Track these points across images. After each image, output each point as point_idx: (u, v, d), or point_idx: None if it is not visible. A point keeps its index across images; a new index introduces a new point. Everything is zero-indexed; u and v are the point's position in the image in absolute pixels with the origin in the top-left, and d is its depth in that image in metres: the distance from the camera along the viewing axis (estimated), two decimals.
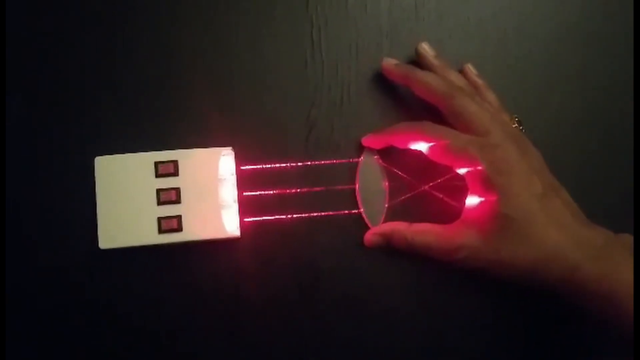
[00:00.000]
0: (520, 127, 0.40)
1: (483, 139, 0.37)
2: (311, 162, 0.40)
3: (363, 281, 0.40)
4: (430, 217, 0.39)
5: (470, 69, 0.41)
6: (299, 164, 0.40)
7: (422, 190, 0.40)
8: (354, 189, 0.40)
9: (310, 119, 0.41)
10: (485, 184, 0.36)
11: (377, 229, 0.40)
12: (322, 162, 0.41)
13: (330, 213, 0.40)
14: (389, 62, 0.40)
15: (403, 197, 0.40)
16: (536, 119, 0.43)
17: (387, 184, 0.40)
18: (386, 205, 0.40)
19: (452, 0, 0.43)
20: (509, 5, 0.43)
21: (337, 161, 0.41)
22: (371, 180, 0.40)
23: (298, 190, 0.40)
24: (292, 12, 0.42)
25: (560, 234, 0.35)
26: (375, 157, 0.40)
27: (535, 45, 0.43)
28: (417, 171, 0.40)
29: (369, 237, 0.40)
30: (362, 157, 0.40)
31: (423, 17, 0.43)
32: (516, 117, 0.40)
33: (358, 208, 0.40)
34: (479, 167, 0.36)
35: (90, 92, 0.40)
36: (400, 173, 0.40)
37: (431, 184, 0.40)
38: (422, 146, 0.38)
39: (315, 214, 0.40)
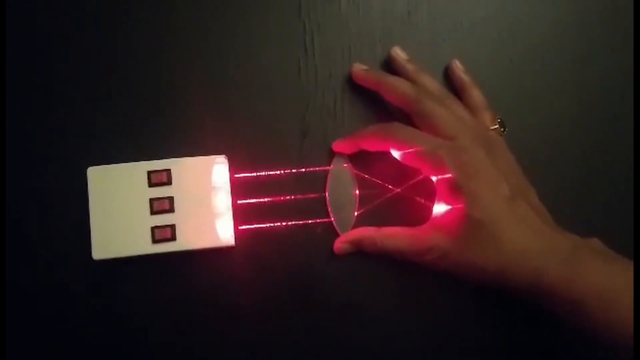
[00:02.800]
0: (502, 129, 0.40)
1: (450, 143, 0.36)
2: (305, 168, 0.40)
3: (358, 288, 0.40)
4: (402, 220, 0.39)
5: (456, 64, 0.41)
6: (293, 170, 0.40)
7: (394, 194, 0.40)
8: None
9: (304, 125, 0.41)
10: (453, 187, 0.36)
11: (346, 237, 0.40)
12: (317, 168, 0.40)
13: (325, 220, 0.40)
14: (359, 68, 0.41)
15: (374, 203, 0.40)
16: (530, 120, 0.42)
17: (357, 191, 0.40)
18: (356, 213, 0.40)
19: (444, 4, 0.43)
20: (502, 7, 0.43)
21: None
22: (341, 187, 0.40)
23: (292, 197, 0.40)
24: (284, 19, 0.41)
25: (527, 238, 0.35)
26: (345, 164, 0.40)
27: (529, 48, 0.43)
28: (388, 175, 0.40)
29: (338, 245, 0.40)
30: (331, 165, 0.40)
31: (416, 21, 0.42)
32: (499, 118, 0.40)
33: (328, 217, 0.40)
34: (448, 173, 0.36)
35: (82, 102, 0.40)
36: (370, 178, 0.40)
37: (402, 187, 0.40)
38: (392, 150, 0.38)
39: (310, 221, 0.40)
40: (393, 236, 0.38)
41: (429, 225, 0.38)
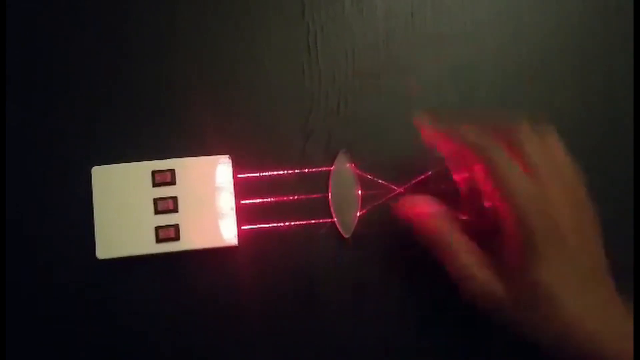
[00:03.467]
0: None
1: (542, 190, 0.33)
2: (308, 169, 0.40)
3: (361, 288, 0.40)
4: (404, 223, 0.38)
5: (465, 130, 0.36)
6: (297, 171, 0.40)
7: (396, 193, 0.40)
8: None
9: (308, 126, 0.41)
10: (528, 243, 0.32)
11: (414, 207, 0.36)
12: (320, 169, 0.41)
13: (328, 220, 0.40)
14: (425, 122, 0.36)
15: (377, 203, 0.40)
16: (534, 122, 0.42)
17: (359, 191, 0.40)
18: (358, 214, 0.40)
19: (448, 5, 0.43)
20: (506, 10, 0.43)
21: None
22: (343, 188, 0.40)
23: (295, 197, 0.40)
24: (288, 20, 0.42)
25: (590, 317, 0.32)
26: (348, 164, 0.40)
27: (532, 51, 0.43)
28: (390, 175, 0.40)
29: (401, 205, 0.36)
30: (334, 165, 0.40)
31: (419, 23, 0.43)
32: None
33: (331, 217, 0.40)
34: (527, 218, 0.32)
35: (87, 102, 0.40)
36: (373, 178, 0.40)
37: (404, 187, 0.40)
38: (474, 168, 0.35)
39: (313, 221, 0.40)
40: (469, 252, 0.34)
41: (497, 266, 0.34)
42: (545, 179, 0.33)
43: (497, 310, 0.34)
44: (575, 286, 0.32)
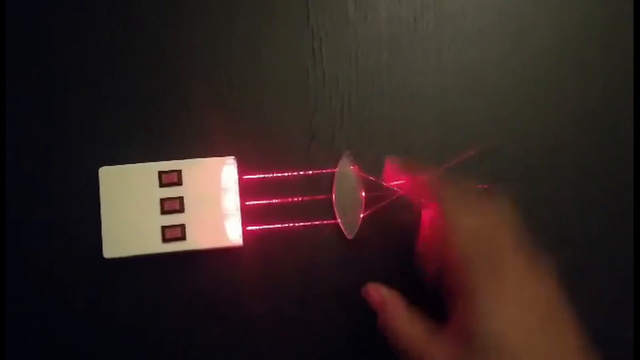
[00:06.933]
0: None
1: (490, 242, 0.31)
2: (313, 171, 0.41)
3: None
4: (407, 221, 0.40)
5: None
6: (301, 173, 0.41)
7: (399, 195, 0.40)
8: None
9: (312, 128, 0.42)
10: (470, 297, 0.30)
11: (374, 297, 0.35)
12: (324, 170, 0.41)
13: (332, 222, 0.40)
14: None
15: (380, 205, 0.40)
16: (535, 128, 0.43)
17: (363, 193, 0.41)
18: (362, 215, 0.40)
19: (451, 10, 0.43)
20: (508, 13, 0.44)
21: None
22: (347, 189, 0.41)
23: (300, 198, 0.41)
24: (293, 24, 0.42)
25: None
26: (352, 166, 0.41)
27: (534, 53, 0.44)
28: (394, 177, 0.40)
29: (368, 291, 0.36)
30: (338, 167, 0.41)
31: (422, 27, 0.43)
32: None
33: (335, 218, 0.40)
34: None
35: (93, 102, 0.40)
36: (376, 180, 0.40)
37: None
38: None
39: (317, 223, 0.40)
40: (403, 335, 0.33)
41: (452, 333, 0.31)
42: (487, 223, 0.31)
43: None
44: (525, 334, 0.28)
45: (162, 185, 0.38)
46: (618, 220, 0.43)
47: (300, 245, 0.40)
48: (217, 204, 0.38)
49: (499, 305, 0.29)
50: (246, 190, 0.40)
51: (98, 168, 0.38)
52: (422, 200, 0.37)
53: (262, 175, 0.40)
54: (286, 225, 0.40)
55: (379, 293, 0.35)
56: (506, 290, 0.29)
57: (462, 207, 0.32)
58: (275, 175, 0.40)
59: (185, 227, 0.38)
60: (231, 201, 0.39)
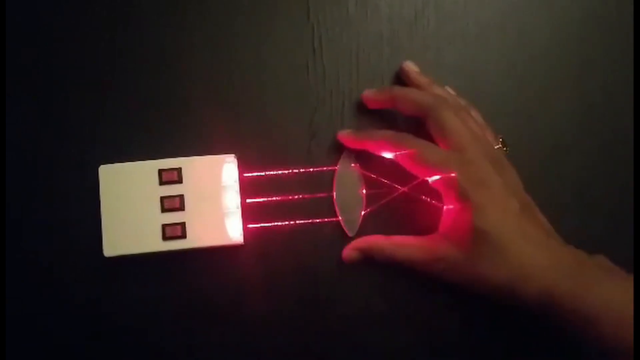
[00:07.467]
0: (505, 148, 0.40)
1: (460, 155, 0.37)
2: (313, 168, 0.41)
3: (365, 287, 0.40)
4: (409, 219, 0.40)
5: (449, 90, 0.41)
6: (302, 170, 0.41)
7: (400, 192, 0.40)
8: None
9: (313, 126, 0.41)
10: (461, 197, 0.36)
11: (355, 245, 0.39)
12: (324, 168, 0.41)
13: (333, 219, 0.40)
14: (368, 92, 0.41)
15: (381, 202, 0.40)
16: (536, 124, 0.43)
17: (364, 190, 0.40)
18: (363, 212, 0.40)
19: (451, 7, 0.43)
20: (509, 12, 0.44)
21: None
22: (348, 187, 0.40)
23: (300, 196, 0.40)
24: (293, 21, 0.42)
25: (536, 253, 0.35)
26: (352, 164, 0.41)
27: (535, 52, 0.44)
28: (394, 174, 0.40)
29: (347, 252, 0.40)
30: (338, 165, 0.41)
31: (423, 24, 0.43)
32: (500, 137, 0.40)
33: (336, 216, 0.40)
34: (456, 184, 0.36)
35: (93, 101, 0.40)
36: (377, 177, 0.40)
37: (408, 186, 0.40)
38: (398, 156, 0.38)
39: (317, 220, 0.40)
40: (403, 245, 0.38)
41: (439, 235, 0.38)
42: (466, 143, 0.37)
43: (451, 271, 0.36)
44: (511, 226, 0.35)
45: (162, 183, 0.38)
46: (618, 221, 0.43)
47: (301, 243, 0.40)
48: (217, 202, 0.38)
49: (488, 203, 0.36)
50: (247, 188, 0.39)
51: (98, 166, 0.38)
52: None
53: (263, 173, 0.40)
54: (287, 223, 0.40)
55: (361, 244, 0.40)
56: (493, 195, 0.36)
57: (452, 113, 0.38)
58: (276, 172, 0.40)
59: (185, 225, 0.38)
60: (232, 199, 0.38)
